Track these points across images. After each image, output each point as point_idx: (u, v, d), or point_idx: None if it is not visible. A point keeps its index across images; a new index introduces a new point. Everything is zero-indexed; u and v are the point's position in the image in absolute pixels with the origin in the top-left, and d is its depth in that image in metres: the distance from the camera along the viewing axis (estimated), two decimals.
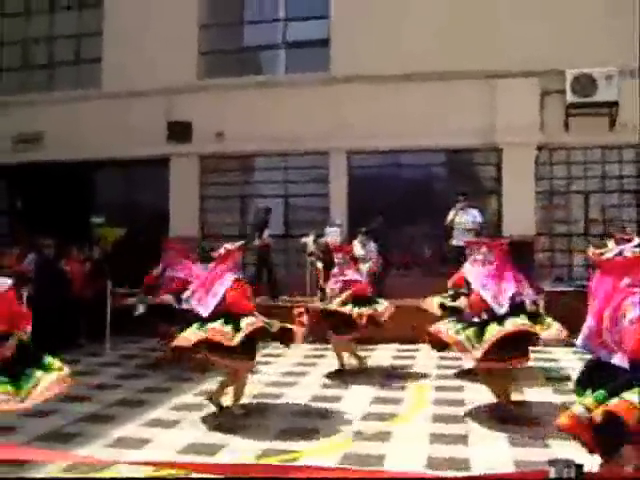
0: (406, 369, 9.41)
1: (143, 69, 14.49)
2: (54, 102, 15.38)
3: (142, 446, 5.97)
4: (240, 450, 5.84)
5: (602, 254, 4.42)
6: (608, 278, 4.24)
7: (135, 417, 6.96)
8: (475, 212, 12.22)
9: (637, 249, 4.30)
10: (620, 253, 4.30)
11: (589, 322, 4.19)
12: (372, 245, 12.31)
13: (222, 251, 7.07)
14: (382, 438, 6.15)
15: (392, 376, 9.00)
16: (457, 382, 8.43)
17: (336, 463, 5.34)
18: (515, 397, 7.60)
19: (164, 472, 4.93)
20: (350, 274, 9.06)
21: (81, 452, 5.76)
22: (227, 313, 6.67)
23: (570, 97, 12.58)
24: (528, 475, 2.44)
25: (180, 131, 14.53)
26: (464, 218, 12.11)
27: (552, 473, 2.08)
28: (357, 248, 12.09)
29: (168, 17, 14.67)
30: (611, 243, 4.91)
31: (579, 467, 2.10)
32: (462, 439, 6.07)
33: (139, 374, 9.34)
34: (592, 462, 5.03)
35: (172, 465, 3.74)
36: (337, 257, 9.28)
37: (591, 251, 4.62)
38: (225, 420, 6.77)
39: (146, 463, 3.99)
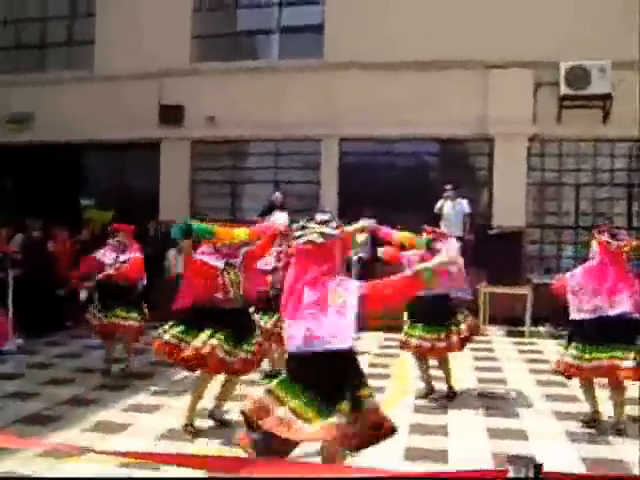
0: (390, 357, 9.38)
1: (136, 52, 14.37)
2: (45, 83, 15.29)
3: (121, 430, 5.97)
4: (217, 437, 5.83)
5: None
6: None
7: (116, 402, 6.95)
8: (464, 202, 12.21)
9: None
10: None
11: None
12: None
13: None
14: None
15: (375, 365, 8.98)
16: (440, 372, 8.42)
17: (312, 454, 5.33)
18: (497, 389, 7.64)
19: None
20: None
21: (60, 435, 5.76)
22: None
23: (563, 89, 12.52)
24: (487, 473, 2.42)
25: (172, 115, 14.45)
26: (452, 208, 12.11)
27: (511, 472, 2.06)
28: None
29: (161, 0, 14.56)
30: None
31: (538, 466, 2.08)
32: (442, 430, 6.07)
33: (123, 358, 9.32)
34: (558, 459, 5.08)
35: (142, 456, 3.70)
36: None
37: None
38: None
39: (115, 453, 3.96)
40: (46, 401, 6.89)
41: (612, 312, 5.78)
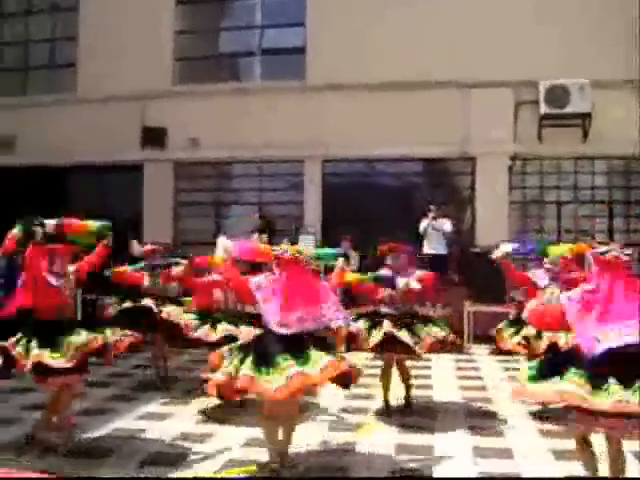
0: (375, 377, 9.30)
1: (118, 74, 14.44)
2: (28, 106, 15.28)
3: None
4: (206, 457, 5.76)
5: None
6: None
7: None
8: (447, 222, 12.28)
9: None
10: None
11: None
12: (353, 253, 12.58)
13: None
14: (347, 449, 6.10)
15: (360, 385, 8.92)
16: (428, 392, 8.42)
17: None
18: (482, 407, 7.62)
19: None
20: None
21: None
22: None
23: (543, 108, 12.67)
24: None
25: (155, 137, 14.48)
26: (436, 227, 12.20)
27: None
28: None
29: (144, 23, 14.61)
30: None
31: None
32: (427, 450, 6.04)
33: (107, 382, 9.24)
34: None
35: None
36: None
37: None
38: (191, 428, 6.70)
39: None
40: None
41: None
